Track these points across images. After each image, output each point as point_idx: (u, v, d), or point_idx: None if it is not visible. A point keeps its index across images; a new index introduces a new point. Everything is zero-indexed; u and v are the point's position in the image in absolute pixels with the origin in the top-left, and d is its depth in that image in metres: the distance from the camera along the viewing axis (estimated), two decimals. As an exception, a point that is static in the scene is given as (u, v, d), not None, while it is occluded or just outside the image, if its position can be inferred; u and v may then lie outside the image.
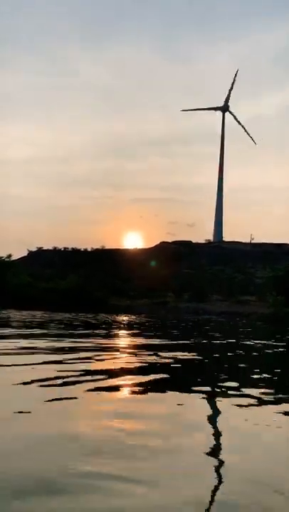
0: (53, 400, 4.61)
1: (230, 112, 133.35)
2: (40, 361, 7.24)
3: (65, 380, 5.67)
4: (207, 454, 3.28)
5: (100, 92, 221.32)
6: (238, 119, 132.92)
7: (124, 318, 31.38)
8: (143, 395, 5.15)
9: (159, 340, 13.01)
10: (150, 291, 67.13)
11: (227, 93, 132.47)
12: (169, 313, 46.59)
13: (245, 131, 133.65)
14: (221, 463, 3.13)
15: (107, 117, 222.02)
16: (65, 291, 47.03)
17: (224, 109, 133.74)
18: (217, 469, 2.99)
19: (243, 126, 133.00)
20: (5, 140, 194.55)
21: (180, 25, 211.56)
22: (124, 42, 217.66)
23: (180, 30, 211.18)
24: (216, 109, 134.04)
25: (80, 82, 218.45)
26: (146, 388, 5.47)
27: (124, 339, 13.71)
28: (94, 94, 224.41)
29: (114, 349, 9.98)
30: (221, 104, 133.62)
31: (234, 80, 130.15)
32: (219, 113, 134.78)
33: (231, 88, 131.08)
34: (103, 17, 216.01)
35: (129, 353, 9.18)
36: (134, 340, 13.14)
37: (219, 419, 4.45)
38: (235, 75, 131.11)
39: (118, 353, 9.14)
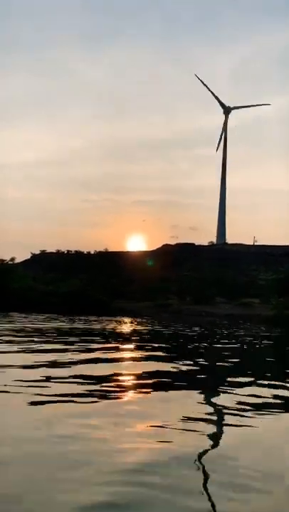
0: None
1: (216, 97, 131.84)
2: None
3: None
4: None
5: (100, 95, 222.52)
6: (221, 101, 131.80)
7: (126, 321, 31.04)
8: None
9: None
10: (153, 294, 66.91)
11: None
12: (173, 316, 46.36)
13: (213, 95, 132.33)
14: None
15: (108, 120, 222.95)
16: (65, 294, 46.88)
17: (227, 110, 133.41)
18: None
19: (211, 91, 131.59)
20: (6, 143, 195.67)
21: (181, 27, 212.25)
22: (125, 44, 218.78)
23: (181, 33, 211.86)
24: (221, 104, 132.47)
25: (81, 85, 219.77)
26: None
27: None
28: (95, 97, 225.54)
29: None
30: (223, 107, 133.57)
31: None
32: (221, 116, 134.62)
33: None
34: (104, 19, 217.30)
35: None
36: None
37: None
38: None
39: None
